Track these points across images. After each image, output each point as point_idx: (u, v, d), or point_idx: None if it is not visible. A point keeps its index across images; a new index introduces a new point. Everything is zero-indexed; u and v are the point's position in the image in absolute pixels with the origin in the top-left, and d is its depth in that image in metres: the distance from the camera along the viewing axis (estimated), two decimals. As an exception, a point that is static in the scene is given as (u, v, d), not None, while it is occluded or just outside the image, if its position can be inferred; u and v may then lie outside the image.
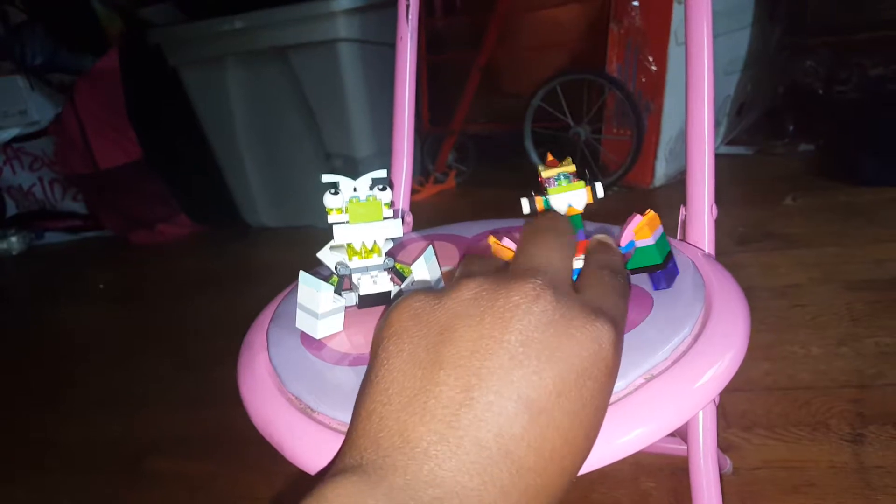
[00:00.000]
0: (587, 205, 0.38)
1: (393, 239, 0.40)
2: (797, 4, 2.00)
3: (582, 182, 0.38)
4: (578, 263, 0.38)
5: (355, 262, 0.39)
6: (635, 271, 0.39)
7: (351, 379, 0.36)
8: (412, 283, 0.40)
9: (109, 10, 1.94)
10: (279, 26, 1.55)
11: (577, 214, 0.38)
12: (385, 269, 0.40)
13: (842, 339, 0.94)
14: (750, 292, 0.41)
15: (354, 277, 0.40)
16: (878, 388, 0.84)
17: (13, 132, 2.01)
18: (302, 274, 0.39)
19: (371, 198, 0.38)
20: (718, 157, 0.49)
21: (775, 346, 0.95)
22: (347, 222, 0.38)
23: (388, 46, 0.61)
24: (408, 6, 0.58)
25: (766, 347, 0.95)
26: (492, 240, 0.39)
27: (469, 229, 0.54)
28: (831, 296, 1.05)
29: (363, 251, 0.39)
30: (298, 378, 0.37)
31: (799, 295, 1.07)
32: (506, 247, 0.38)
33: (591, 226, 0.51)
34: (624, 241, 0.39)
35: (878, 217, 1.31)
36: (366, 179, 0.39)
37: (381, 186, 0.38)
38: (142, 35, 1.75)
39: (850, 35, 1.93)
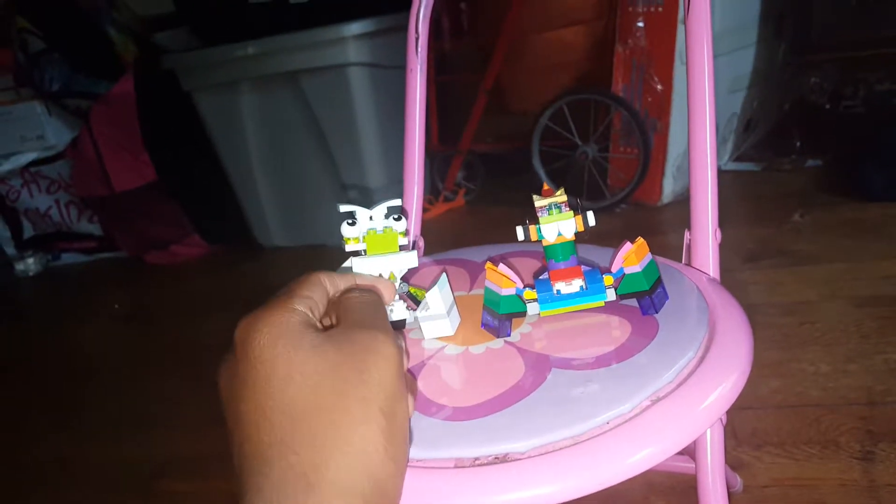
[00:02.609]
0: (579, 232, 0.41)
1: None
2: (802, 21, 2.02)
3: (571, 212, 0.40)
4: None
5: None
6: (624, 297, 0.41)
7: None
8: (426, 310, 0.42)
9: (124, 36, 1.98)
10: (291, 51, 1.59)
11: (568, 242, 0.40)
12: (399, 294, 0.41)
13: (851, 356, 0.95)
14: (758, 309, 0.42)
15: None
16: (888, 405, 0.84)
17: (31, 156, 2.05)
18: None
19: (388, 230, 0.40)
20: (725, 174, 0.50)
21: (784, 363, 0.95)
22: (365, 252, 0.40)
23: (399, 70, 0.63)
24: (417, 38, 0.60)
25: (775, 365, 0.95)
26: (489, 266, 0.41)
27: (478, 254, 0.56)
28: (840, 312, 1.06)
29: None
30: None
31: (807, 312, 1.07)
32: (502, 273, 0.41)
33: (584, 250, 0.52)
34: (614, 268, 0.41)
35: (887, 233, 1.32)
36: (381, 209, 0.41)
37: (395, 216, 0.40)
38: (156, 60, 1.79)
39: (855, 51, 1.95)
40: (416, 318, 0.42)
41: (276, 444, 0.27)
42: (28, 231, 2.20)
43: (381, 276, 0.40)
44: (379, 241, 0.40)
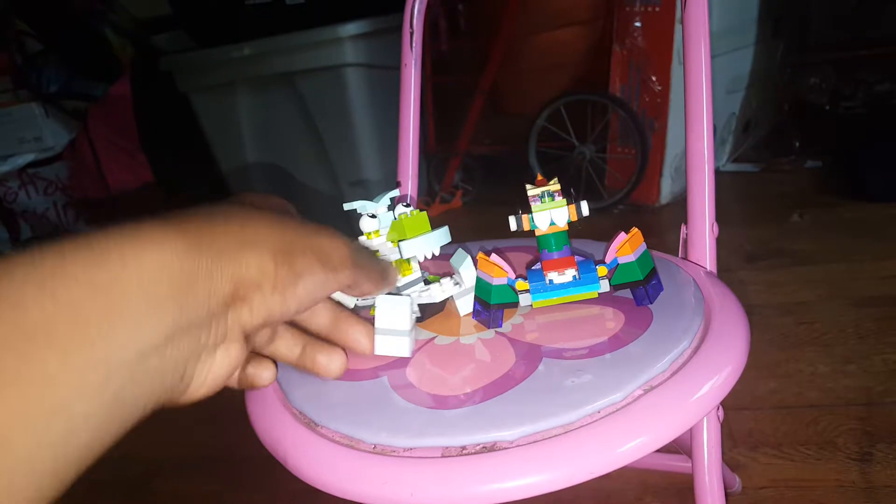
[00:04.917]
0: (574, 223, 0.40)
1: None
2: (801, 21, 2.02)
3: (563, 200, 0.39)
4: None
5: (400, 281, 0.41)
6: (618, 287, 0.40)
7: (352, 393, 0.37)
8: (461, 286, 0.42)
9: (122, 37, 1.98)
10: (287, 52, 1.58)
11: (561, 232, 0.40)
12: (422, 282, 0.42)
13: (849, 357, 0.94)
14: (756, 310, 0.41)
15: (410, 291, 0.41)
16: (886, 405, 0.83)
17: (29, 158, 2.04)
18: (379, 298, 0.38)
19: (415, 212, 0.41)
20: (724, 175, 0.50)
21: (782, 364, 0.95)
22: (396, 240, 0.41)
23: (395, 70, 0.62)
24: (412, 34, 0.60)
25: (772, 365, 0.94)
26: (480, 256, 0.41)
27: (473, 249, 0.55)
28: (838, 313, 1.05)
29: (403, 268, 0.41)
30: (302, 394, 0.38)
31: (806, 312, 1.07)
32: (494, 263, 0.40)
33: (581, 244, 0.52)
34: (608, 258, 0.40)
35: (886, 233, 1.31)
36: (384, 200, 0.41)
37: (404, 203, 0.41)
38: (153, 62, 1.79)
39: (853, 51, 1.95)
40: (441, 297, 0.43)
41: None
42: (26, 233, 2.19)
43: (424, 256, 0.41)
44: (412, 224, 0.40)
